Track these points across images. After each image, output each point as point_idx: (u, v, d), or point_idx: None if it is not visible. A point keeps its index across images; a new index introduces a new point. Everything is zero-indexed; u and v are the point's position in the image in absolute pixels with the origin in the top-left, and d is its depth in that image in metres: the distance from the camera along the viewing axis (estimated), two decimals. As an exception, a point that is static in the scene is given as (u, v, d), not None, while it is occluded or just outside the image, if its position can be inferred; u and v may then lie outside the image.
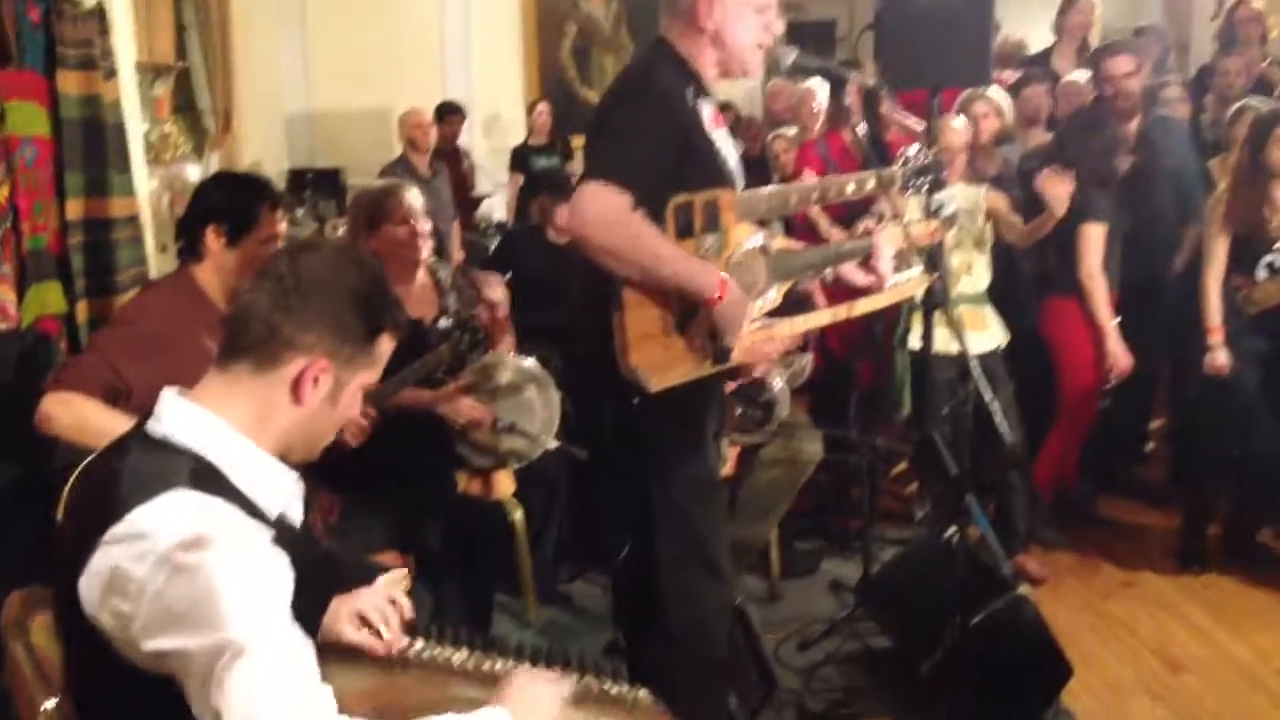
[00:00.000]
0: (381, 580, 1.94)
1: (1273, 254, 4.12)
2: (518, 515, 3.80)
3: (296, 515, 1.66)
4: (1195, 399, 4.45)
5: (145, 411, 1.59)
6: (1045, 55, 5.99)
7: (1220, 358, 4.17)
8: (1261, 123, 4.14)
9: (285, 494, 1.61)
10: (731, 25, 2.48)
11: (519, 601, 3.99)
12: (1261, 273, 4.15)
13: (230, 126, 6.77)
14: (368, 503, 3.26)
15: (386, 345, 1.66)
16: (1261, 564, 4.39)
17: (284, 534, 1.54)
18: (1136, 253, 4.54)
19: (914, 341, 4.41)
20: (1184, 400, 4.91)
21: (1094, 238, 4.32)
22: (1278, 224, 4.11)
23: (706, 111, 2.48)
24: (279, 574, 1.45)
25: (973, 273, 4.31)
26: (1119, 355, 4.34)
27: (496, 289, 3.62)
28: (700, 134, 2.44)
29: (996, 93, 4.70)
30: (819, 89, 5.71)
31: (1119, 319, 4.39)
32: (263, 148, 7.71)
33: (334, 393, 1.60)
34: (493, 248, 6.41)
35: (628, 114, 2.39)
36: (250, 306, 1.57)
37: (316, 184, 8.02)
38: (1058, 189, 4.11)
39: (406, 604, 1.92)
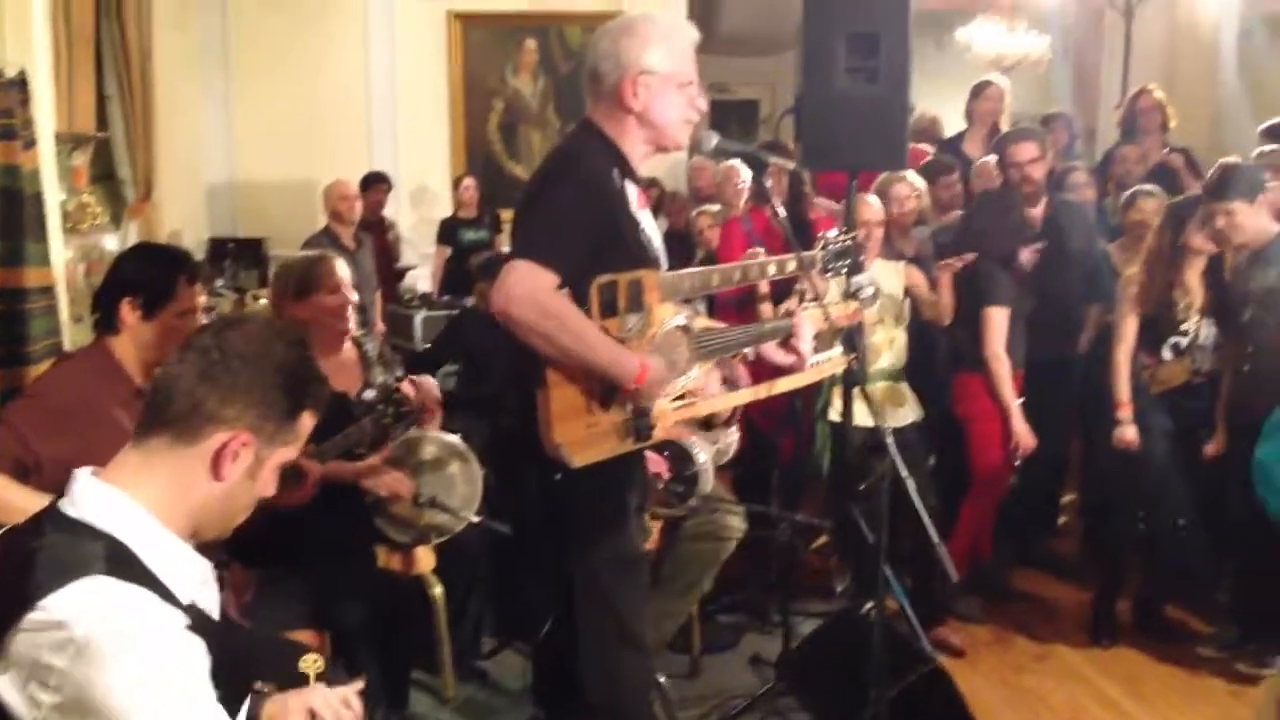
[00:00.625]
0: (304, 662, 1.91)
1: (1178, 335, 4.27)
2: (437, 591, 3.76)
3: (209, 603, 1.63)
4: (1104, 474, 4.57)
5: (56, 488, 1.56)
6: (958, 139, 6.19)
7: (1129, 433, 4.30)
8: (1178, 208, 4.31)
9: (198, 581, 1.59)
10: (657, 104, 2.55)
11: (437, 679, 3.93)
12: (1167, 353, 4.30)
13: (150, 196, 6.71)
14: (284, 580, 3.20)
15: (308, 422, 1.66)
16: (1170, 638, 4.49)
17: (198, 620, 1.52)
18: (1044, 332, 4.69)
19: (834, 414, 4.50)
20: (1094, 475, 5.05)
21: (997, 320, 4.46)
22: (1185, 306, 4.27)
23: (632, 192, 2.54)
24: (195, 664, 1.43)
25: (893, 348, 4.42)
26: (1022, 434, 4.46)
27: (431, 393, 3.61)
28: (626, 215, 2.49)
29: (913, 176, 4.85)
30: (742, 168, 5.84)
31: (1023, 399, 4.52)
32: (183, 217, 7.64)
33: (253, 468, 1.60)
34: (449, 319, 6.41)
35: (555, 195, 2.44)
36: (173, 379, 1.56)
37: (238, 254, 7.96)
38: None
39: (359, 707, 1.89)
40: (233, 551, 2.82)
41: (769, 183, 2.69)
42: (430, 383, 3.62)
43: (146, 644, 1.37)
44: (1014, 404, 4.47)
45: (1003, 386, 4.47)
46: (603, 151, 2.54)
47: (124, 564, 1.47)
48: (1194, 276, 4.26)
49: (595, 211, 2.42)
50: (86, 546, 1.47)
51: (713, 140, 2.70)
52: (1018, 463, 4.52)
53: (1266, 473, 3.74)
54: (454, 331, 5.65)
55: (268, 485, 1.65)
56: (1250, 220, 4.04)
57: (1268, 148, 5.32)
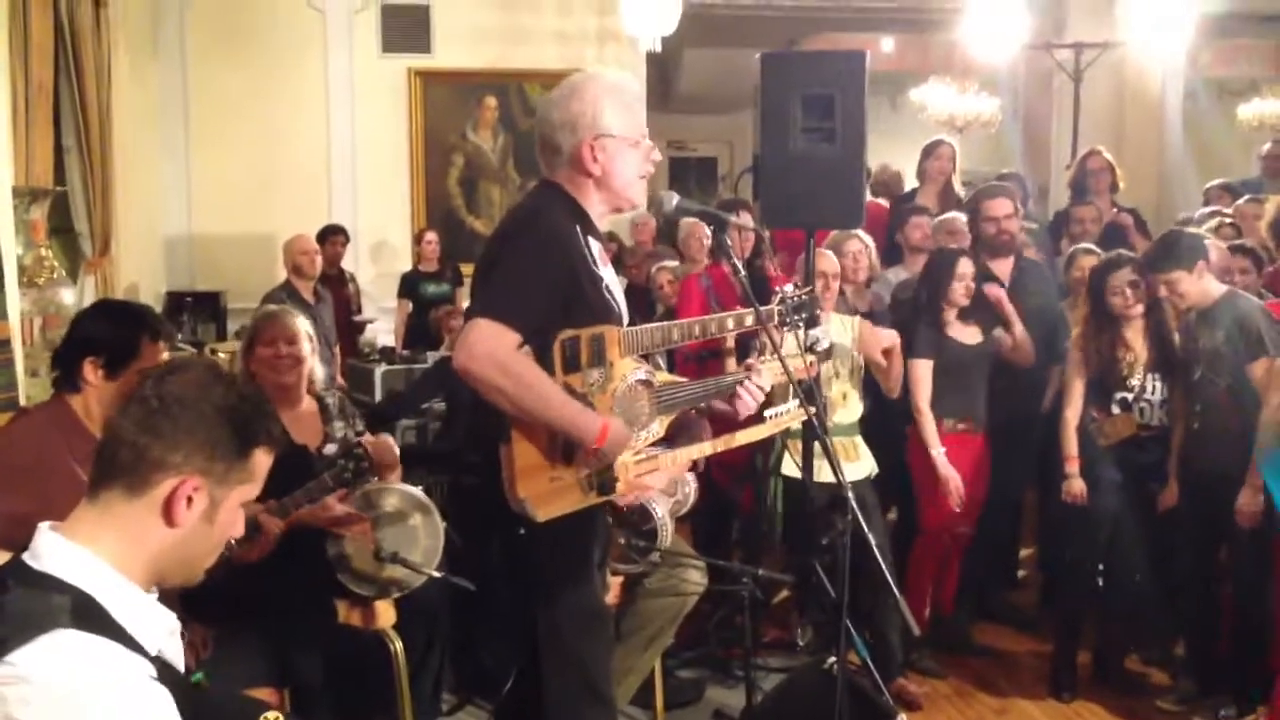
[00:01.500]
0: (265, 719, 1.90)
1: (1124, 391, 4.36)
2: (398, 646, 3.72)
3: (175, 654, 1.63)
4: (1058, 528, 4.63)
5: (7, 543, 1.56)
6: (910, 196, 6.30)
7: (1076, 486, 4.37)
8: (1096, 273, 4.43)
9: (164, 632, 1.59)
10: (615, 166, 2.59)
11: (397, 737, 3.88)
12: (1115, 408, 4.38)
13: (108, 250, 6.67)
14: (242, 635, 3.17)
15: (263, 459, 1.66)
16: (1130, 691, 4.52)
17: (164, 672, 1.52)
18: (1006, 393, 4.76)
19: (787, 468, 4.54)
20: (1050, 528, 5.10)
21: (919, 372, 4.57)
22: (1129, 363, 4.35)
23: (595, 248, 2.57)
24: (165, 713, 1.42)
25: (847, 403, 4.47)
26: (946, 479, 4.52)
27: (388, 451, 3.62)
28: (588, 271, 2.52)
29: (863, 234, 4.94)
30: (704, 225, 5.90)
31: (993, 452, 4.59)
32: (140, 270, 7.61)
33: (209, 511, 1.59)
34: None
35: (518, 252, 2.46)
36: (117, 432, 1.57)
37: (195, 307, 7.92)
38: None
39: None
40: (189, 608, 2.79)
41: (729, 240, 2.73)
42: (388, 441, 3.62)
43: (116, 697, 1.36)
44: (938, 452, 4.54)
45: (927, 436, 4.55)
46: (564, 209, 2.57)
47: (90, 617, 1.47)
48: (1135, 334, 4.36)
49: (558, 268, 2.45)
50: (52, 600, 1.46)
51: (673, 200, 2.74)
52: (957, 509, 4.57)
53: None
54: (433, 378, 5.63)
55: (231, 525, 1.64)
56: (1192, 287, 4.15)
57: (1242, 200, 5.48)
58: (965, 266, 4.63)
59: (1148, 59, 8.63)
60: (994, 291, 4.76)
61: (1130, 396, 4.36)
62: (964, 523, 4.69)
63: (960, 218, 5.33)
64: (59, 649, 1.40)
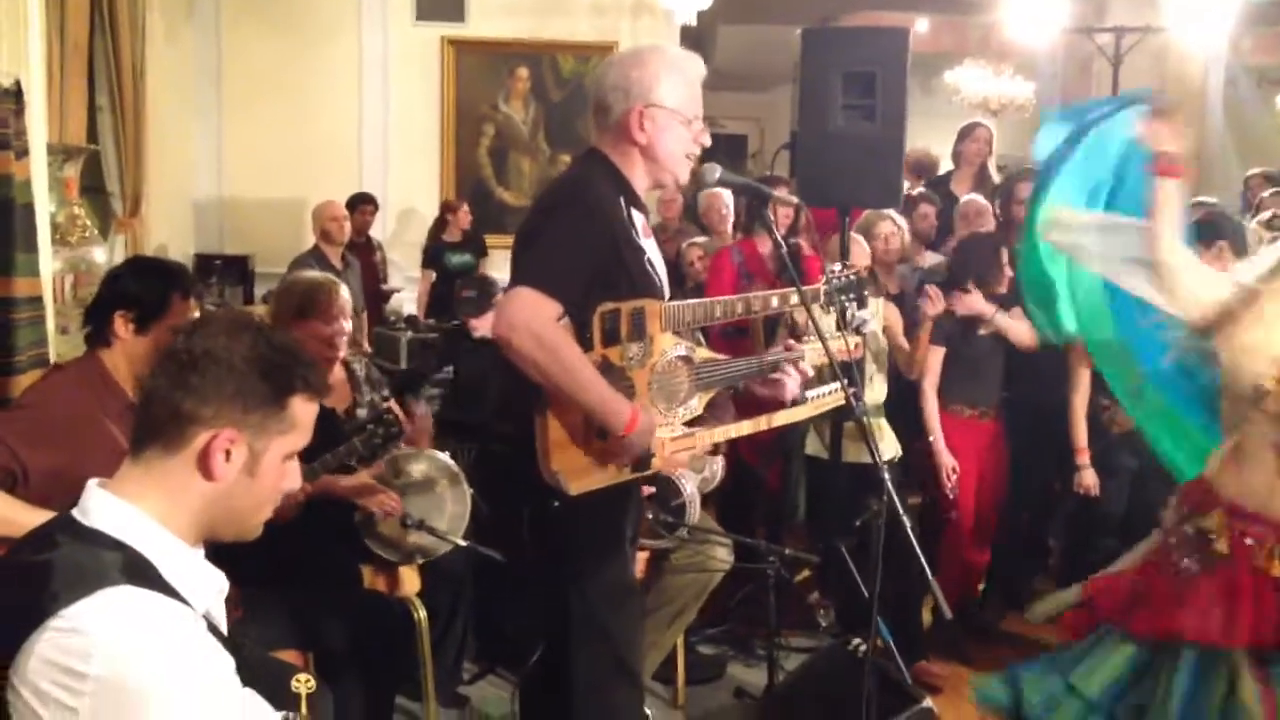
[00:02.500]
0: (296, 681, 1.90)
1: None
2: (422, 615, 3.73)
3: (220, 615, 1.62)
4: (1073, 516, 4.59)
5: (42, 500, 1.55)
6: (945, 179, 6.25)
7: (1088, 478, 4.33)
8: None
9: (213, 591, 1.58)
10: (662, 138, 2.55)
11: (419, 704, 3.89)
12: (1128, 397, 4.33)
13: (139, 210, 6.68)
14: (268, 597, 3.17)
15: (302, 408, 1.63)
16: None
17: (212, 631, 1.51)
18: (1031, 377, 4.71)
19: (811, 448, 4.52)
20: (1068, 518, 5.07)
21: (930, 360, 4.53)
22: None
23: (639, 220, 2.55)
24: (223, 667, 1.42)
25: (873, 385, 4.44)
26: (942, 464, 4.50)
27: (425, 423, 3.62)
28: (631, 244, 2.50)
29: (896, 214, 4.89)
30: (726, 195, 5.87)
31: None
32: (169, 232, 7.62)
33: (250, 464, 1.58)
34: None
35: (561, 222, 2.44)
36: (152, 391, 1.57)
37: (223, 270, 7.93)
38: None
39: None
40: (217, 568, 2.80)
41: (771, 216, 2.69)
42: (425, 414, 3.62)
43: (176, 651, 1.38)
44: (935, 437, 4.51)
45: (928, 420, 4.52)
46: (609, 180, 2.54)
47: (142, 573, 1.46)
48: None
49: (601, 240, 2.43)
50: (104, 556, 1.46)
51: (715, 173, 2.71)
52: (950, 495, 4.54)
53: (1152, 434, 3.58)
54: (441, 348, 5.63)
55: (279, 477, 1.63)
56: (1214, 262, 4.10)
57: (1268, 192, 5.40)
58: (1005, 255, 4.57)
59: (1189, 44, 8.50)
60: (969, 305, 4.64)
61: None
62: (983, 507, 4.65)
63: (980, 199, 5.28)
64: (114, 604, 1.40)
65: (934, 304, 4.44)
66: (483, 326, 4.73)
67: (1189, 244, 4.04)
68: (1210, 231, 4.14)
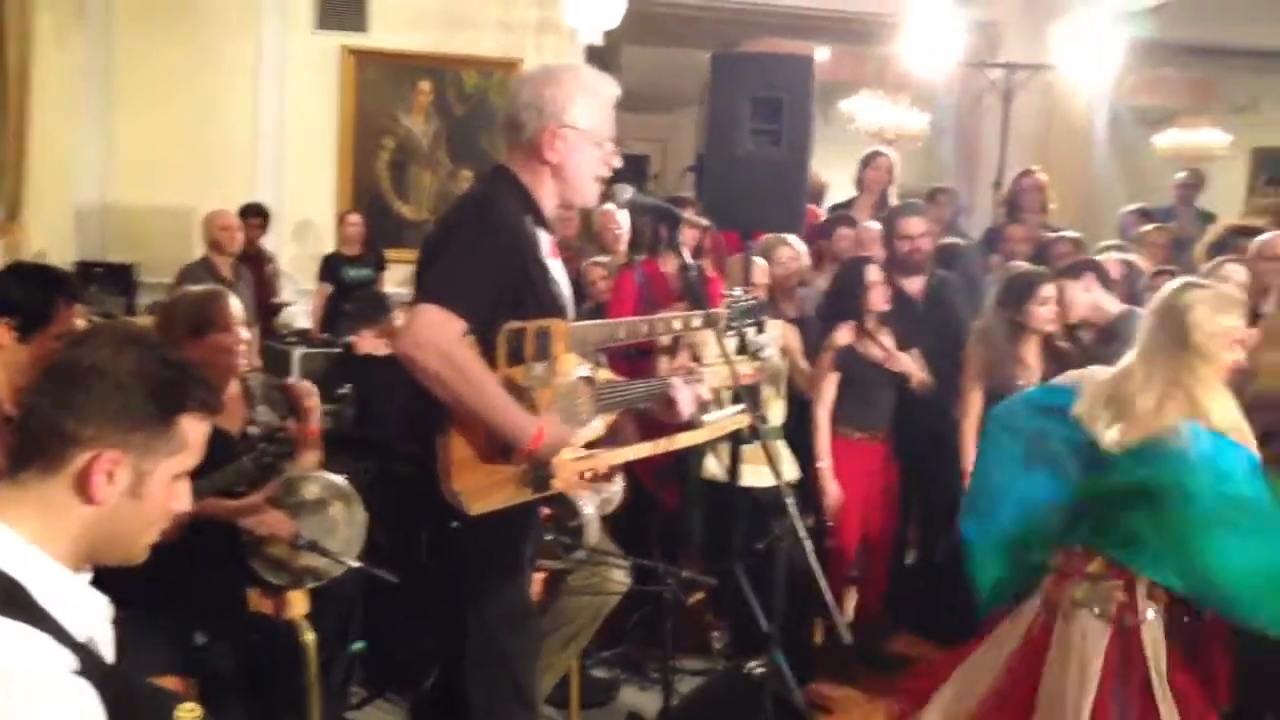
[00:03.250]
0: (181, 710, 1.82)
1: None
2: (309, 638, 3.63)
3: (105, 641, 1.54)
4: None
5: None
6: (847, 206, 6.35)
7: None
8: (1020, 281, 4.46)
9: (96, 617, 1.50)
10: (574, 159, 2.55)
11: (305, 730, 3.78)
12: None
13: (17, 215, 6.44)
14: (150, 621, 3.06)
15: (193, 427, 1.56)
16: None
17: (88, 662, 1.43)
18: (924, 402, 4.80)
19: (708, 471, 4.53)
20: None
21: (825, 385, 4.59)
22: (1025, 383, 4.40)
23: (545, 241, 2.53)
24: (82, 710, 1.34)
25: (772, 408, 4.47)
26: (830, 494, 4.57)
27: (311, 397, 3.52)
28: (537, 263, 2.48)
29: (794, 239, 4.95)
30: (620, 215, 5.88)
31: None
32: (49, 239, 7.35)
33: (135, 486, 1.50)
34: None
35: (468, 239, 2.41)
36: (31, 408, 1.50)
37: (105, 279, 7.68)
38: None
39: None
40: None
41: (681, 237, 2.70)
42: (314, 401, 3.54)
43: (33, 690, 1.29)
44: (824, 465, 4.57)
45: (818, 447, 4.59)
46: (516, 198, 2.52)
47: (14, 603, 1.39)
48: (1031, 352, 4.40)
49: (507, 258, 2.41)
50: None
51: (627, 193, 2.71)
52: (829, 523, 4.59)
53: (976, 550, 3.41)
54: (340, 367, 5.52)
55: (167, 499, 1.55)
56: (1079, 298, 4.32)
57: (1147, 227, 5.62)
58: (874, 273, 4.64)
59: (1076, 83, 8.80)
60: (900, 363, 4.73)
61: None
62: (872, 530, 4.71)
63: (875, 227, 5.38)
64: None
65: (845, 334, 4.51)
66: (365, 344, 4.65)
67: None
68: (1079, 265, 4.30)
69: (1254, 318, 4.21)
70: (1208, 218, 6.93)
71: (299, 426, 3.60)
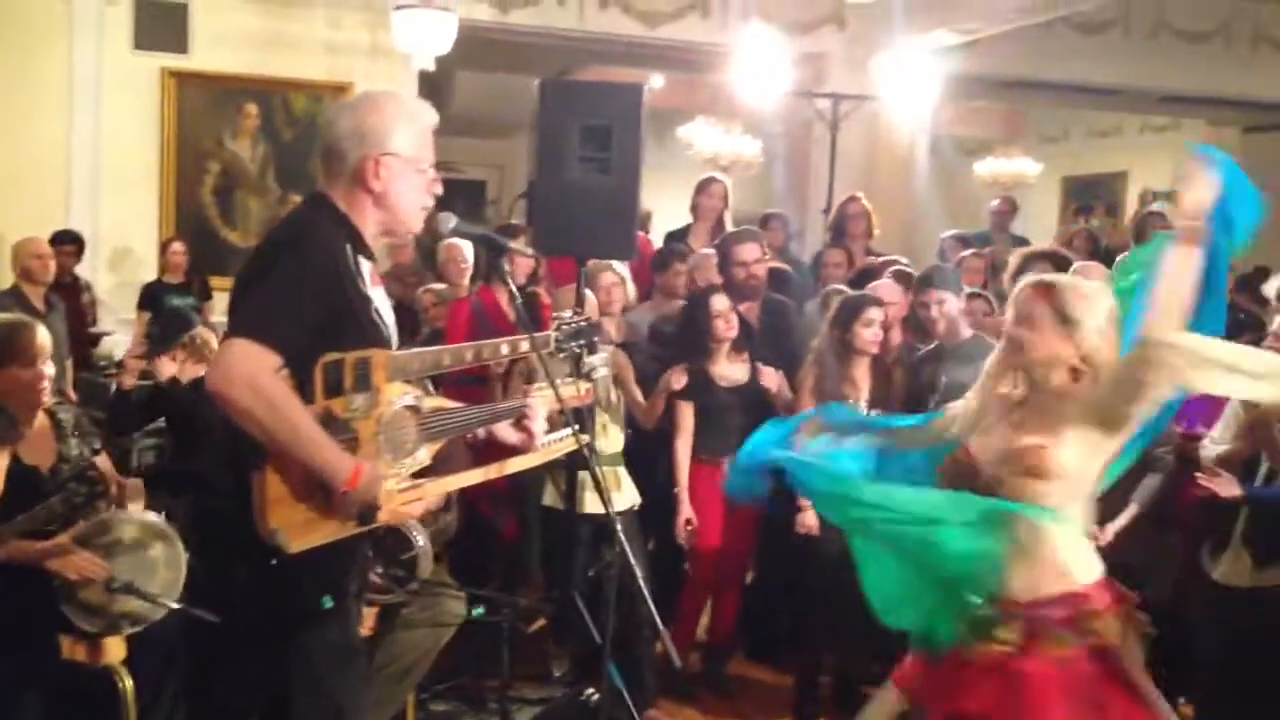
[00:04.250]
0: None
1: None
2: (127, 684, 3.47)
3: None
4: (793, 558, 4.79)
5: None
6: (684, 232, 6.42)
7: (810, 518, 4.51)
8: (849, 304, 4.60)
9: None
10: (397, 187, 2.50)
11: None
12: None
13: None
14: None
15: None
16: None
17: None
18: (755, 425, 4.87)
19: (548, 499, 4.52)
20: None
21: (682, 416, 4.65)
22: (853, 403, 4.53)
23: (366, 270, 2.48)
24: None
25: (608, 435, 4.49)
26: (686, 518, 4.62)
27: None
28: (359, 293, 2.43)
29: (619, 265, 4.99)
30: (465, 246, 5.84)
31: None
32: None
33: None
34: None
35: (284, 269, 2.34)
36: None
37: (-97, 309, 7.21)
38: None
39: None
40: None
41: (508, 266, 2.69)
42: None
43: None
44: (680, 490, 4.63)
45: (677, 474, 4.65)
46: (336, 226, 2.47)
47: None
48: (861, 372, 4.55)
49: (325, 288, 2.35)
50: None
51: (451, 222, 2.68)
52: (686, 545, 4.64)
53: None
54: (157, 399, 5.30)
55: None
56: (954, 310, 4.45)
57: (965, 253, 5.86)
58: (720, 303, 4.72)
59: (898, 113, 9.14)
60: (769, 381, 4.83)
61: None
62: (727, 554, 4.77)
63: (711, 254, 5.47)
64: None
65: (678, 378, 4.57)
66: (166, 367, 4.50)
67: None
68: (927, 281, 4.47)
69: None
70: (1021, 242, 7.26)
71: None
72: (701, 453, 4.69)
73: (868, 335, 4.47)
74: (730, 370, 4.76)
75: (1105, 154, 13.98)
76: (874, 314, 4.48)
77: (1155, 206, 7.63)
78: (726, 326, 4.69)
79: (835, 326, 4.55)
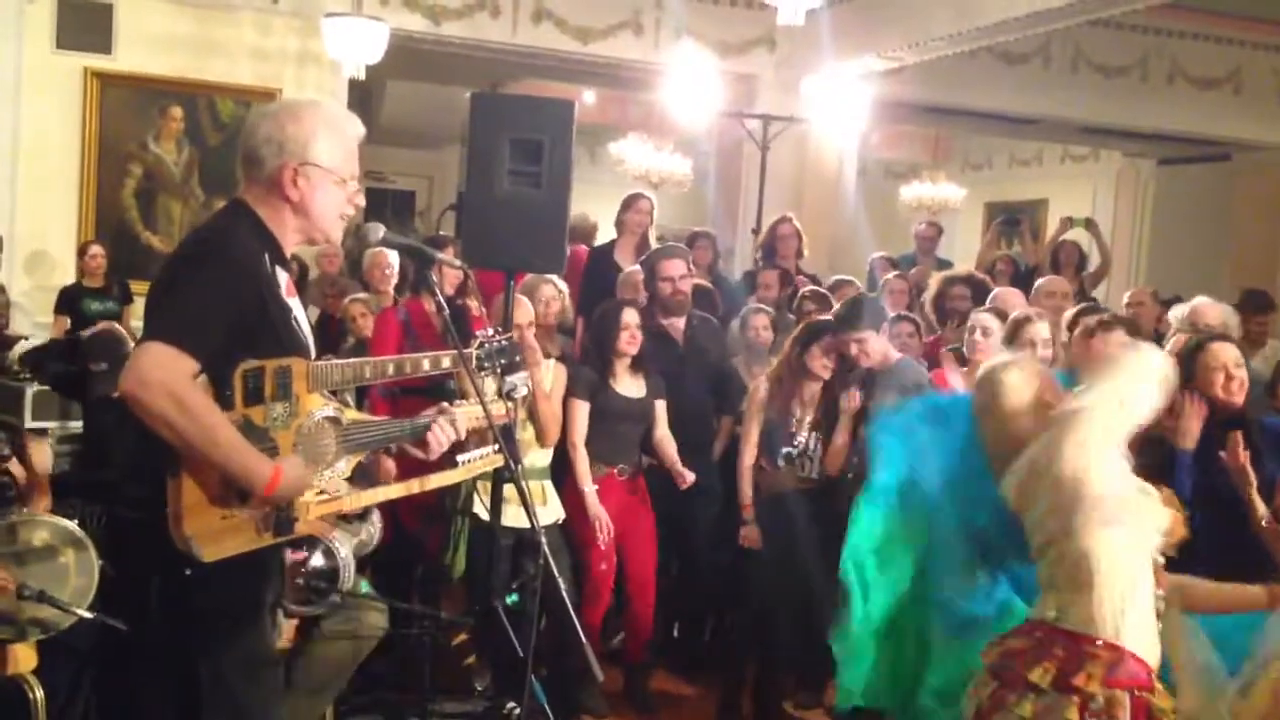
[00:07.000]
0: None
1: (791, 447, 4.59)
2: (38, 694, 3.39)
3: None
4: (723, 574, 4.82)
5: None
6: (609, 248, 6.45)
7: (752, 532, 4.56)
8: (811, 329, 4.67)
9: None
10: (316, 197, 2.49)
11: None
12: (780, 461, 4.61)
13: None
14: None
15: None
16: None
17: None
18: (682, 439, 4.91)
19: (477, 510, 4.50)
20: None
21: (577, 412, 4.66)
22: (799, 419, 4.60)
23: (283, 279, 2.47)
24: None
25: (534, 450, 4.48)
26: (595, 516, 4.62)
27: (42, 452, 3.31)
28: (276, 301, 2.41)
29: (558, 280, 5.00)
30: (390, 255, 5.80)
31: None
32: None
33: None
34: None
35: (201, 274, 2.33)
36: None
37: None
38: None
39: None
40: None
41: (435, 277, 2.68)
42: (44, 454, 3.33)
43: None
44: (589, 489, 4.64)
45: (579, 473, 4.65)
46: (254, 234, 2.45)
47: None
48: (809, 394, 4.62)
49: (243, 294, 2.33)
50: None
51: (379, 232, 2.67)
52: (603, 546, 4.65)
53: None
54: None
55: None
56: (879, 346, 4.48)
57: (891, 274, 5.98)
58: (630, 316, 4.76)
59: (826, 136, 9.27)
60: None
61: (795, 452, 4.59)
62: (635, 564, 4.78)
63: (637, 271, 5.51)
64: None
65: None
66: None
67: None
68: (843, 323, 4.52)
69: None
70: (946, 265, 7.40)
71: (26, 474, 3.38)
72: (596, 462, 4.71)
73: (822, 361, 4.54)
74: (627, 385, 4.79)
75: (1027, 182, 14.33)
76: (850, 338, 4.52)
77: (1071, 234, 7.85)
78: (630, 340, 4.72)
79: (796, 345, 4.63)
